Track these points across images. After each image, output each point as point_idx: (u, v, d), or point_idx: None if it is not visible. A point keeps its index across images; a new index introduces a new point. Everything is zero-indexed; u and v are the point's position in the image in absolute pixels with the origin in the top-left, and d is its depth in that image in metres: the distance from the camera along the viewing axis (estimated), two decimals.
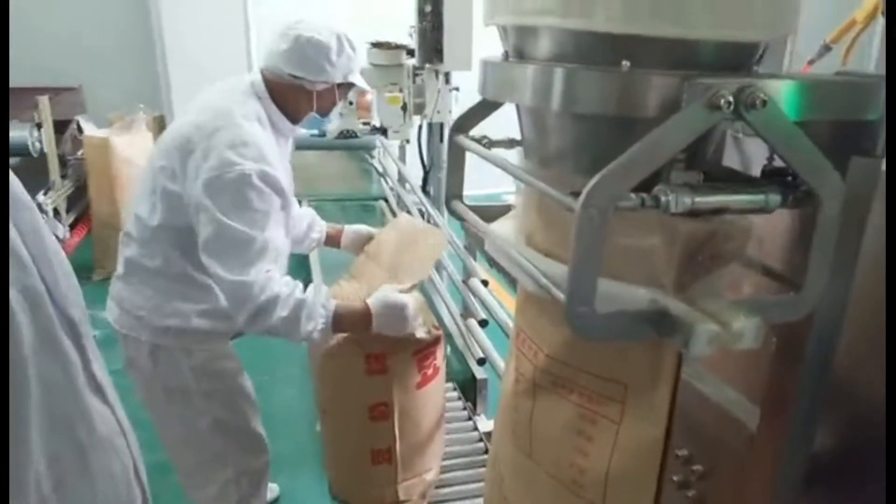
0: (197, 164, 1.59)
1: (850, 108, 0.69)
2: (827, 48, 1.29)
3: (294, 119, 1.80)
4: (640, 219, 0.70)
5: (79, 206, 5.35)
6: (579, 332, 0.63)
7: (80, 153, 4.93)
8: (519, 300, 0.95)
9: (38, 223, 0.82)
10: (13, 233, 0.76)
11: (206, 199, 1.57)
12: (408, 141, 3.66)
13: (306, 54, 1.70)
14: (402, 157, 4.65)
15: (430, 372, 1.90)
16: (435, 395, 1.98)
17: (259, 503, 2.05)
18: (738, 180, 0.76)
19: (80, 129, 4.96)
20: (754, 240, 0.73)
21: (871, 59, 1.13)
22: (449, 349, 3.14)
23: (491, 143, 0.96)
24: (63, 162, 5.08)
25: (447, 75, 3.23)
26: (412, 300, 1.76)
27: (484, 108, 1.00)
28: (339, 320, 1.67)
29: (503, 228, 0.92)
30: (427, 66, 3.27)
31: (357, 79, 1.85)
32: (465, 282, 2.64)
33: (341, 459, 2.05)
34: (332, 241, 2.20)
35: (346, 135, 3.70)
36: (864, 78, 0.71)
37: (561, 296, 0.64)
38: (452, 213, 1.01)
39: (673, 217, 0.67)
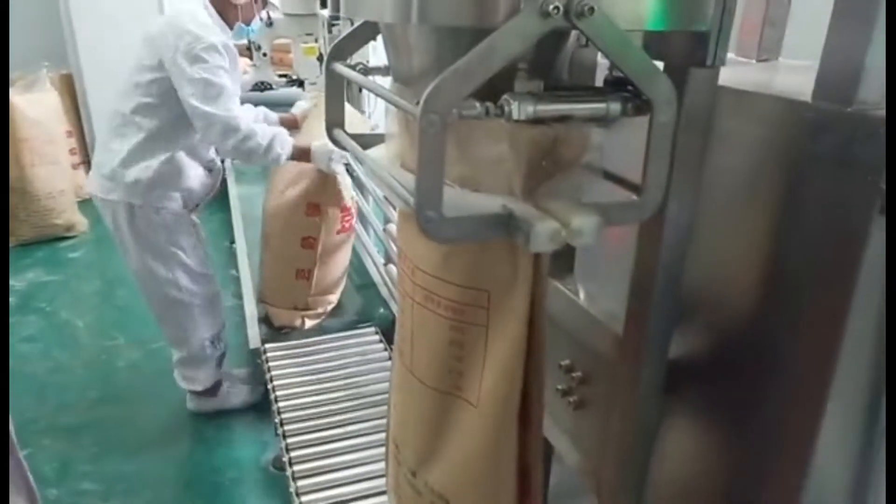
0: (173, 44, 2.21)
1: (679, 19, 0.73)
2: None
3: (229, 25, 2.45)
4: (491, 129, 0.74)
5: None
6: (428, 234, 0.67)
7: None
8: (398, 221, 0.98)
9: None
10: None
11: (186, 65, 2.19)
12: None
13: None
14: None
15: (346, 225, 2.96)
16: (345, 244, 3.04)
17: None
18: (584, 91, 0.80)
19: None
20: (595, 147, 0.78)
21: None
22: (377, 301, 3.21)
23: (366, 70, 0.98)
24: None
25: None
26: (337, 152, 2.55)
27: (362, 35, 1.01)
28: (294, 150, 2.48)
29: (379, 153, 0.94)
30: (342, 15, 3.21)
31: None
32: (384, 229, 2.69)
33: (272, 273, 3.04)
34: (285, 123, 2.89)
35: (261, 87, 3.61)
36: None
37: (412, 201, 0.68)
38: (334, 141, 1.02)
39: (518, 125, 0.70)
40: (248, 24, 2.50)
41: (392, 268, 2.73)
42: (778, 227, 0.83)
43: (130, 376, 3.12)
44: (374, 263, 3.21)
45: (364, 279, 3.49)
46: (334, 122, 1.03)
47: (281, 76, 3.75)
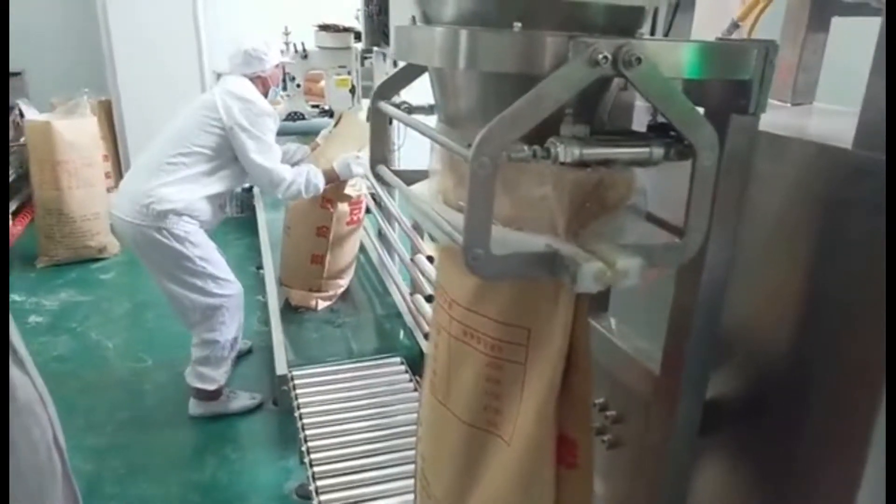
0: (237, 109, 2.77)
1: (723, 68, 0.76)
2: (736, 25, 1.36)
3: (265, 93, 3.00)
4: (537, 171, 0.76)
5: (22, 193, 5.22)
6: (475, 272, 0.69)
7: (22, 139, 4.80)
8: (438, 257, 1.00)
9: None
10: None
11: (248, 125, 2.73)
12: None
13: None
14: None
15: (355, 218, 3.60)
16: (354, 234, 3.68)
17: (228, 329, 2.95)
18: (627, 135, 0.82)
19: (21, 115, 4.82)
20: (639, 190, 0.79)
21: (777, 33, 1.20)
22: (402, 331, 3.22)
23: (411, 109, 1.01)
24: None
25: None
26: (354, 158, 3.13)
27: (407, 75, 1.05)
28: (325, 176, 3.03)
29: (422, 189, 0.97)
30: (375, 49, 3.29)
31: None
32: (412, 259, 2.71)
33: (291, 258, 3.67)
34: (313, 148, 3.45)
35: (293, 117, 3.69)
36: (736, 42, 0.77)
37: (460, 239, 0.70)
38: (377, 177, 1.05)
39: (563, 167, 0.73)
40: (276, 85, 3.07)
41: (418, 297, 2.75)
42: (816, 269, 0.84)
43: (158, 399, 3.15)
44: (401, 293, 3.23)
45: (389, 309, 3.51)
46: (378, 158, 1.06)
47: (313, 107, 3.83)
